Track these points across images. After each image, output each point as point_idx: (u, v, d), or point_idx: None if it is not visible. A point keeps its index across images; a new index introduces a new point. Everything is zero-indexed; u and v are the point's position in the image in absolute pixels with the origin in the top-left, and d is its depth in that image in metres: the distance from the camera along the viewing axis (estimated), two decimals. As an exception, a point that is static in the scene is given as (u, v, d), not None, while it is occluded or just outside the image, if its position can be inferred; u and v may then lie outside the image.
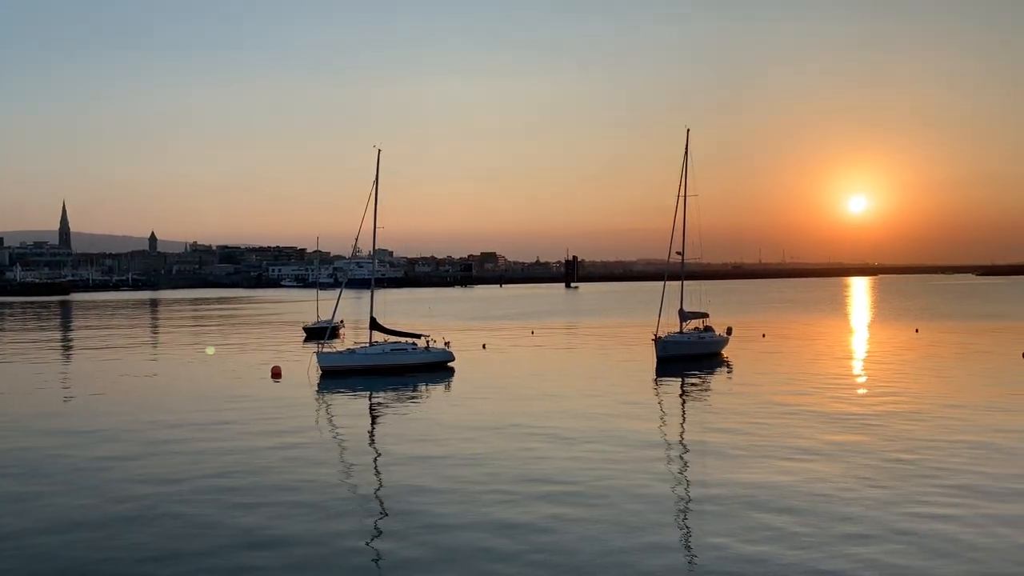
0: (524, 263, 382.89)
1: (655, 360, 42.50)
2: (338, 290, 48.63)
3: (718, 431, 24.47)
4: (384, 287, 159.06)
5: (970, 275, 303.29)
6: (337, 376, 38.22)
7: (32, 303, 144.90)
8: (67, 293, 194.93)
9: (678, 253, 47.03)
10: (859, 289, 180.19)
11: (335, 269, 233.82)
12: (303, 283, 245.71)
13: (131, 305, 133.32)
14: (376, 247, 45.95)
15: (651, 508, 16.52)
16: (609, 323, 76.81)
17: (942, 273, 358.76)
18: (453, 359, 41.80)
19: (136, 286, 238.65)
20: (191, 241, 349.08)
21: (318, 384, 36.22)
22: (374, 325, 42.37)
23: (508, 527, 15.38)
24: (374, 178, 42.19)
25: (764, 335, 58.95)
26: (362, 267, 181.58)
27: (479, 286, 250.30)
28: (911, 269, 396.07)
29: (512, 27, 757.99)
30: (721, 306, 72.40)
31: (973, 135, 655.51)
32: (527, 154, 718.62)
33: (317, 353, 40.32)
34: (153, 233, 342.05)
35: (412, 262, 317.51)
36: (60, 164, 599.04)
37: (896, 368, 39.77)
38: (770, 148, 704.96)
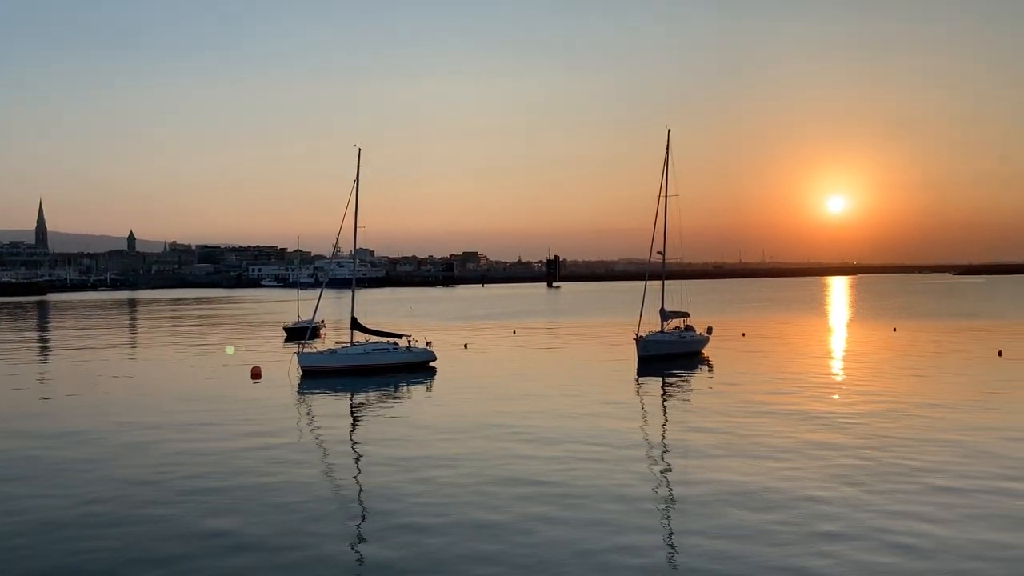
0: (506, 263, 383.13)
1: (636, 359, 42.65)
2: (319, 290, 48.42)
3: (699, 430, 24.57)
4: (365, 287, 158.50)
5: (947, 275, 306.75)
6: (318, 376, 38.04)
7: (8, 303, 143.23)
8: (44, 293, 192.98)
9: (659, 253, 47.20)
10: (838, 288, 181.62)
11: (316, 269, 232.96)
12: (284, 283, 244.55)
13: (109, 305, 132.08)
14: (357, 247, 45.75)
15: (631, 508, 16.55)
16: (590, 323, 76.95)
17: (920, 273, 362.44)
18: (435, 359, 41.73)
19: (114, 286, 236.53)
20: (170, 241, 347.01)
21: (299, 385, 36.03)
22: (355, 325, 42.22)
23: (489, 528, 15.36)
24: (355, 177, 42.10)
25: (744, 334, 59.29)
26: (343, 267, 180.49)
27: (461, 286, 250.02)
28: (889, 269, 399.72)
29: (495, 28, 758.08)
30: (702, 306, 72.82)
31: (951, 136, 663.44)
32: (509, 154, 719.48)
33: (298, 353, 40.14)
34: (132, 233, 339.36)
35: (393, 262, 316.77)
36: (37, 163, 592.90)
37: (874, 367, 40.10)
38: (750, 149, 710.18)
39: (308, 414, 29.57)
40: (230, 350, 51.99)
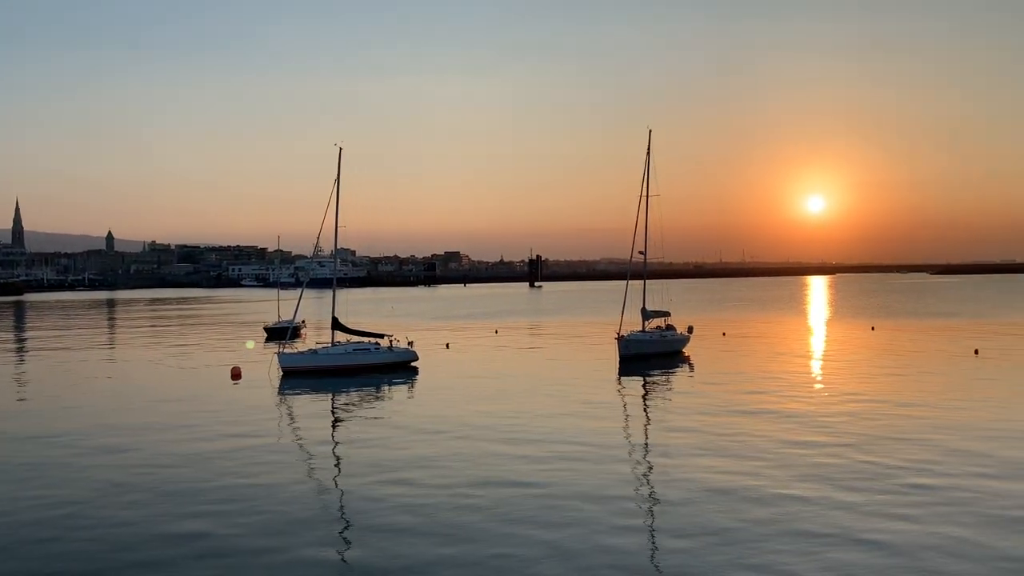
0: (488, 262, 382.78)
1: (618, 359, 42.76)
2: (299, 290, 48.19)
3: (679, 430, 24.66)
4: (346, 287, 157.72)
5: (925, 274, 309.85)
6: (299, 377, 37.86)
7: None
8: (21, 293, 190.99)
9: (640, 253, 47.36)
10: (817, 288, 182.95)
11: (296, 268, 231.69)
12: (264, 283, 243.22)
13: (87, 305, 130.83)
14: (338, 246, 45.59)
15: (612, 508, 16.58)
16: (572, 322, 77.06)
17: (898, 272, 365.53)
18: (416, 359, 41.64)
19: (93, 286, 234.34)
20: (149, 240, 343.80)
21: (279, 385, 35.83)
22: (336, 325, 42.05)
23: (469, 530, 15.35)
24: (336, 177, 41.91)
25: (724, 333, 59.61)
26: (324, 266, 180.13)
27: (443, 286, 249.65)
28: (868, 268, 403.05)
29: (476, 27, 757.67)
30: (683, 305, 73.04)
31: (930, 137, 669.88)
32: (491, 154, 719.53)
33: (278, 353, 39.92)
34: (110, 232, 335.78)
35: (375, 261, 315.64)
36: (13, 161, 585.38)
37: (852, 366, 40.42)
38: (732, 149, 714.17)
39: (288, 415, 29.40)
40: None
